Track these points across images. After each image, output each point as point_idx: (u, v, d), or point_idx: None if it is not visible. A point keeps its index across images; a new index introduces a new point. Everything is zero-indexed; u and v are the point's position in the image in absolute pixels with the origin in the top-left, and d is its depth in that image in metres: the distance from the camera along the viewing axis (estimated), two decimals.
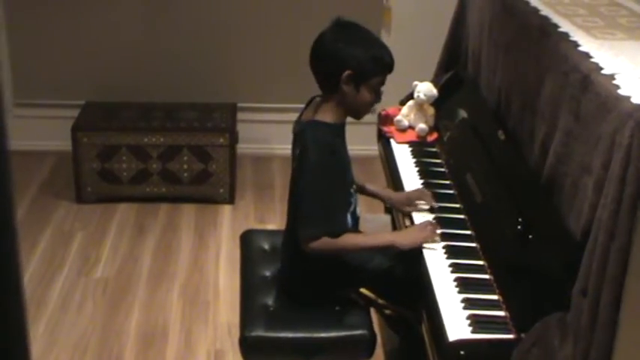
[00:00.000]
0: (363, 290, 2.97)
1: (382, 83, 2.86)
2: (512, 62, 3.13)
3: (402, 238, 2.86)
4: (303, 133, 2.84)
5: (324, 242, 2.76)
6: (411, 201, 3.11)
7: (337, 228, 2.80)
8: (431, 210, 3.06)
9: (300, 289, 2.97)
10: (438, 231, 2.86)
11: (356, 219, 2.97)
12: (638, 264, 1.92)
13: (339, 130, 2.88)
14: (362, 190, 3.15)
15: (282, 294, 3.02)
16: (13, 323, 0.92)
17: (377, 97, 2.87)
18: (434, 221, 2.93)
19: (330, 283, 2.94)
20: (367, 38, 2.88)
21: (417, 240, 2.82)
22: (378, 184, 3.38)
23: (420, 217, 3.03)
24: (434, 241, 2.82)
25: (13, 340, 0.92)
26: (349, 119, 2.92)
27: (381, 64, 2.83)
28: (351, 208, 2.92)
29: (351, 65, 2.77)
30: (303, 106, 3.01)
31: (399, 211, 3.17)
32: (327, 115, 2.85)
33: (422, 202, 3.09)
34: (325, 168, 2.79)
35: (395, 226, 3.38)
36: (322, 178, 2.78)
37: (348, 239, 2.84)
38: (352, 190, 2.95)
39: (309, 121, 2.88)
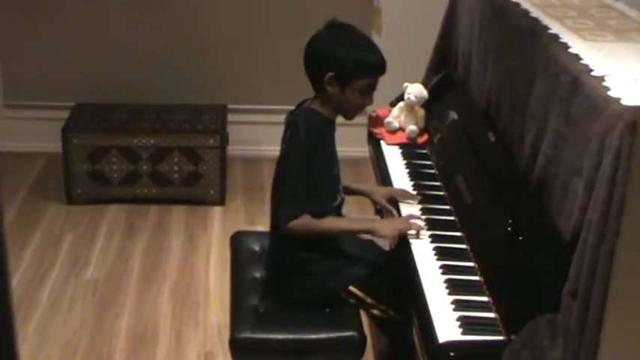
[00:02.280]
0: (352, 288, 2.96)
1: (371, 86, 2.86)
2: (503, 64, 3.13)
3: (383, 226, 2.91)
4: (294, 119, 2.88)
5: (305, 221, 2.78)
6: (391, 195, 3.15)
7: (319, 209, 2.82)
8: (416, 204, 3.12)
9: (289, 289, 2.97)
10: (422, 223, 2.90)
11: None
12: (627, 265, 1.92)
13: (329, 122, 2.91)
14: (347, 191, 3.15)
15: (271, 295, 3.02)
16: (1, 325, 0.92)
17: (366, 99, 2.88)
18: (419, 215, 2.97)
19: (318, 282, 2.94)
20: (355, 40, 2.87)
21: (396, 229, 2.86)
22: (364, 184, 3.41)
23: (407, 211, 3.05)
24: (416, 234, 2.85)
25: (1, 341, 0.92)
26: (339, 120, 2.93)
27: (364, 66, 2.82)
28: (336, 203, 2.94)
29: (333, 67, 2.79)
30: (292, 107, 3.01)
31: (379, 204, 3.20)
32: (318, 108, 2.88)
33: (405, 200, 3.14)
34: (313, 149, 2.81)
35: None
36: (309, 159, 2.80)
37: (329, 221, 2.87)
38: (339, 188, 2.96)
39: (303, 108, 2.92)
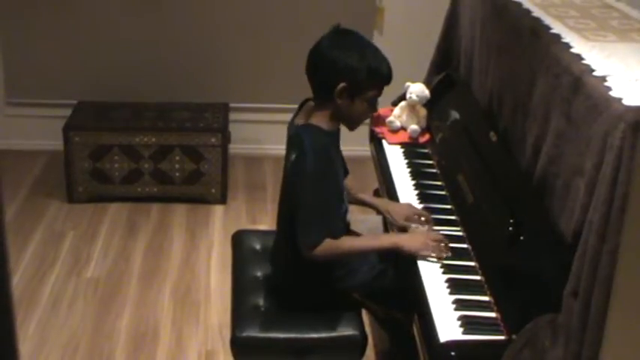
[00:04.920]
0: (355, 295, 2.95)
1: (378, 95, 2.80)
2: (504, 63, 3.13)
3: (408, 241, 2.79)
4: (298, 137, 2.78)
5: (328, 246, 2.71)
6: (409, 217, 3.01)
7: (336, 232, 2.77)
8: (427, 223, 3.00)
9: (291, 290, 2.97)
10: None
11: (346, 225, 2.96)
12: (628, 266, 1.92)
13: (333, 137, 2.84)
14: (356, 201, 3.12)
15: (273, 295, 3.01)
16: (1, 323, 0.92)
17: (372, 108, 2.82)
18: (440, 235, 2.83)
19: (321, 285, 2.93)
20: (365, 49, 2.78)
21: (423, 244, 2.75)
22: (368, 193, 3.37)
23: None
24: (440, 253, 2.74)
25: (1, 340, 0.92)
26: None
27: (377, 77, 2.75)
28: (342, 213, 2.90)
29: (346, 77, 2.70)
30: (294, 106, 2.98)
31: (396, 225, 3.04)
32: (321, 122, 2.79)
33: (418, 223, 3.00)
34: (323, 175, 2.74)
35: (386, 228, 3.37)
36: (320, 185, 2.73)
37: (351, 241, 2.83)
38: (344, 197, 2.93)
39: (306, 124, 2.82)
